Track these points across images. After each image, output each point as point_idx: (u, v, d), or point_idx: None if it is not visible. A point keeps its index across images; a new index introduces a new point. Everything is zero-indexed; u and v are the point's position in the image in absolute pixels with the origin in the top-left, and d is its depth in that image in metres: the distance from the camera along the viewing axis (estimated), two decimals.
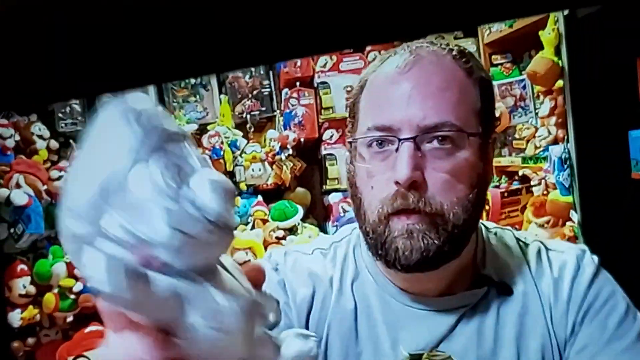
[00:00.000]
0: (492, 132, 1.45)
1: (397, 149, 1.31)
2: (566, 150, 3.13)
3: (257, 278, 0.78)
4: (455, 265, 1.41)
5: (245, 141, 4.63)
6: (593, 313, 1.43)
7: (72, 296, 4.13)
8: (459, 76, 1.36)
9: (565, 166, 3.12)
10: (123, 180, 0.63)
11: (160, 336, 0.65)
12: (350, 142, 1.46)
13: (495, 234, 1.57)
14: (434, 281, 1.43)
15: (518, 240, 1.56)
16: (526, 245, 1.54)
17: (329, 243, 1.61)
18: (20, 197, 3.88)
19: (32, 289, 4.12)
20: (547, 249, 1.53)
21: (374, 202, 1.35)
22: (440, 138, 1.31)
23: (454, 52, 1.39)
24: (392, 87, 1.36)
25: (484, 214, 3.82)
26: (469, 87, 1.37)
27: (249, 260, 4.21)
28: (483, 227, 1.55)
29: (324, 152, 4.64)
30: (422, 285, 1.44)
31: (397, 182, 1.30)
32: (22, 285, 4.09)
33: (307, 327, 1.47)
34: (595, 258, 1.50)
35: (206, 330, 0.67)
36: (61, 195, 0.65)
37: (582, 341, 1.43)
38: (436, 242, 1.31)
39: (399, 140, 1.31)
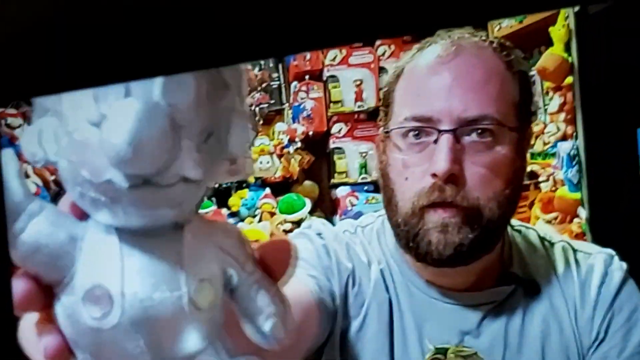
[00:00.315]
0: (529, 127, 1.44)
1: (435, 141, 1.29)
2: (575, 147, 3.12)
3: (277, 259, 0.76)
4: (484, 262, 1.40)
5: (254, 134, 4.59)
6: (618, 324, 1.42)
7: None
8: (499, 69, 1.35)
9: (574, 163, 3.11)
10: None
11: None
12: (386, 132, 1.44)
13: (520, 232, 1.56)
14: (462, 276, 1.42)
15: (543, 239, 1.55)
16: (552, 244, 1.53)
17: (354, 226, 1.59)
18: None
19: None
20: (574, 250, 1.51)
21: (408, 194, 1.34)
22: (480, 131, 1.29)
23: (495, 45, 1.38)
24: (433, 76, 1.34)
25: None
26: (509, 80, 1.35)
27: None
28: (508, 225, 1.53)
29: (332, 145, 4.64)
30: (449, 279, 1.43)
31: (434, 175, 1.28)
32: None
33: (346, 301, 1.46)
34: (624, 265, 1.48)
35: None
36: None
37: (604, 350, 1.42)
38: (470, 236, 1.30)
39: (439, 131, 1.29)
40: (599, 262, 1.47)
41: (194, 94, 0.68)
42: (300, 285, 1.29)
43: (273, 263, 0.73)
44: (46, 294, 0.65)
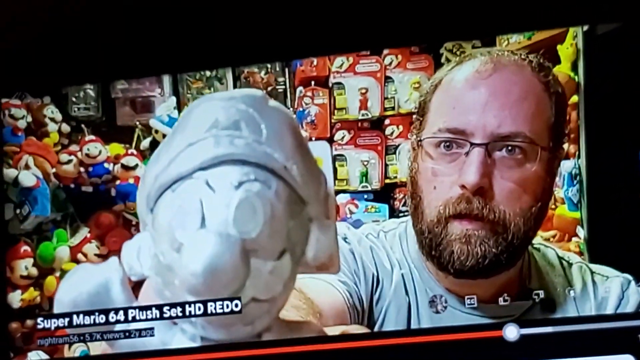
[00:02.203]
0: (561, 148, 1.44)
1: (467, 153, 1.31)
2: (577, 166, 3.11)
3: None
4: (504, 277, 1.41)
5: None
6: None
7: None
8: (537, 89, 1.36)
9: (575, 182, 3.10)
10: None
11: None
12: (419, 141, 1.45)
13: (539, 250, 1.57)
14: (481, 288, 1.43)
15: (561, 259, 1.56)
16: (570, 265, 1.54)
17: (377, 231, 1.61)
18: (28, 179, 3.89)
19: (34, 271, 4.11)
20: (591, 271, 1.52)
21: (435, 203, 1.36)
22: (511, 148, 1.30)
23: (534, 64, 1.38)
24: (470, 90, 1.35)
25: None
26: (545, 100, 1.36)
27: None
28: None
29: (334, 152, 4.63)
30: (469, 290, 1.44)
31: (463, 186, 1.29)
32: (25, 266, 4.09)
33: (370, 304, 1.47)
34: None
35: None
36: None
37: None
38: (494, 250, 1.31)
39: (471, 144, 1.30)
40: (616, 285, 1.48)
41: (266, 221, 0.72)
42: (334, 291, 1.31)
43: None
44: None
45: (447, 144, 1.33)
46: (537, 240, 1.62)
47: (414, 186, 1.42)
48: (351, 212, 4.62)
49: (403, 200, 1.52)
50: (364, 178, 4.81)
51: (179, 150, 0.84)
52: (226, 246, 0.68)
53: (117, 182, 4.30)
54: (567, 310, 1.48)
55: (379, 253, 1.54)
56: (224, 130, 0.88)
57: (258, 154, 0.86)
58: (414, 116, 1.50)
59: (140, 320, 0.77)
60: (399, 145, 4.85)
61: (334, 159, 4.79)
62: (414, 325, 1.47)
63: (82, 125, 4.52)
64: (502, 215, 1.30)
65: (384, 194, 4.96)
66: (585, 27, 3.01)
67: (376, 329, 1.47)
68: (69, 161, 4.29)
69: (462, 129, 1.29)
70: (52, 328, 3.49)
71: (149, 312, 0.77)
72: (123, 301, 0.71)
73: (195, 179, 0.73)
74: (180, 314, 0.68)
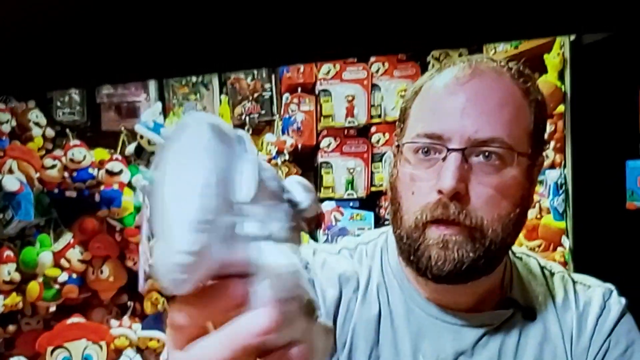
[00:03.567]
0: (541, 156, 1.45)
1: (444, 158, 1.31)
2: (562, 176, 3.13)
3: None
4: (484, 284, 1.41)
5: None
6: (613, 356, 1.43)
7: (57, 286, 4.12)
8: (516, 95, 1.36)
9: (561, 191, 3.12)
10: (246, 191, 0.71)
11: None
12: (397, 146, 1.45)
13: (521, 259, 1.57)
14: (461, 296, 1.43)
15: (543, 268, 1.56)
16: (552, 274, 1.54)
17: (355, 244, 1.61)
18: (12, 183, 3.87)
19: (16, 276, 4.11)
20: (573, 281, 1.52)
21: (413, 208, 1.35)
22: (488, 153, 1.30)
23: (513, 71, 1.38)
24: (448, 96, 1.35)
25: None
26: (524, 107, 1.36)
27: None
28: (509, 252, 1.54)
29: (320, 159, 4.64)
30: (449, 298, 1.44)
31: (440, 191, 1.29)
32: (7, 271, 4.08)
33: (335, 326, 1.47)
34: (623, 300, 1.49)
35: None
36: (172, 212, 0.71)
37: None
38: (471, 254, 1.31)
39: (448, 149, 1.30)
40: (598, 294, 1.48)
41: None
42: None
43: None
44: None
45: (426, 149, 1.33)
46: (519, 250, 1.62)
47: (393, 192, 1.43)
48: (336, 220, 4.65)
49: (388, 208, 1.52)
50: (349, 185, 4.83)
51: None
52: None
53: (102, 187, 4.28)
54: (548, 319, 1.49)
55: (347, 272, 1.55)
56: None
57: None
58: (397, 123, 1.50)
59: None
60: (384, 153, 4.89)
61: (320, 166, 4.81)
62: (387, 337, 1.48)
63: (67, 130, 4.51)
64: (479, 220, 1.30)
65: (370, 201, 5.00)
66: (572, 37, 3.02)
67: (346, 347, 1.48)
68: (53, 166, 4.26)
69: (439, 134, 1.29)
70: None
71: None
72: None
73: None
74: None
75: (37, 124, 4.28)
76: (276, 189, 0.75)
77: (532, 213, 3.54)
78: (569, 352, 1.43)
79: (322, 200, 4.67)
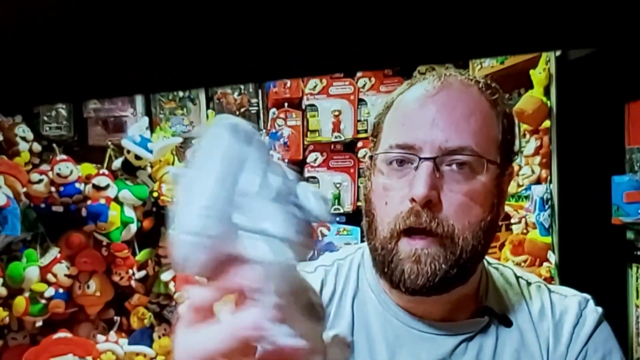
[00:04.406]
0: (510, 166, 1.46)
1: (416, 168, 1.33)
2: (548, 191, 3.13)
3: None
4: (460, 294, 1.42)
5: None
6: None
7: (43, 301, 4.12)
8: (484, 106, 1.38)
9: (547, 206, 3.13)
10: (250, 188, 0.80)
11: None
12: (370, 157, 1.47)
13: (497, 269, 1.58)
14: (437, 306, 1.44)
15: (519, 278, 1.57)
16: (528, 283, 1.55)
17: (332, 260, 1.62)
18: None
19: (3, 291, 4.10)
20: (549, 290, 1.53)
21: (387, 218, 1.36)
22: (459, 162, 1.32)
23: (481, 84, 1.41)
24: (418, 108, 1.38)
25: None
26: (492, 118, 1.38)
27: None
28: (485, 261, 1.56)
29: (307, 174, 4.64)
30: (425, 308, 1.45)
31: (412, 199, 1.31)
32: None
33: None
34: (599, 309, 1.50)
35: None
36: (185, 197, 0.81)
37: None
38: (444, 266, 1.32)
39: (419, 158, 1.32)
40: (574, 304, 1.49)
41: None
42: None
43: None
44: None
45: (399, 160, 1.35)
46: (495, 261, 1.64)
47: (367, 204, 1.45)
48: (323, 235, 4.65)
49: (363, 221, 1.54)
50: (336, 200, 4.83)
51: None
52: None
53: (88, 202, 4.28)
54: (524, 328, 1.50)
55: (325, 288, 1.57)
56: None
57: None
58: (370, 137, 1.53)
59: None
60: None
61: (307, 181, 4.80)
62: (363, 349, 1.49)
63: (54, 145, 4.50)
64: (451, 229, 1.32)
65: (356, 216, 5.00)
66: (558, 53, 3.03)
67: None
68: (40, 181, 4.25)
69: (411, 144, 1.31)
70: None
71: None
72: None
73: None
74: None
75: (23, 138, 4.28)
76: (282, 190, 0.80)
77: (518, 228, 3.55)
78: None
79: None
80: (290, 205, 0.80)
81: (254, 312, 0.72)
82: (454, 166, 1.33)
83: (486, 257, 1.59)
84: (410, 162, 1.35)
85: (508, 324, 1.47)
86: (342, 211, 4.63)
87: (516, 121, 3.67)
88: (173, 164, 4.42)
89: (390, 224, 1.35)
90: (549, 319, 1.47)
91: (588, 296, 1.54)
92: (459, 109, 1.35)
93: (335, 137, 4.56)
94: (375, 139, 1.49)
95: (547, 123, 3.21)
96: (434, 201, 1.31)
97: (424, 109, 1.37)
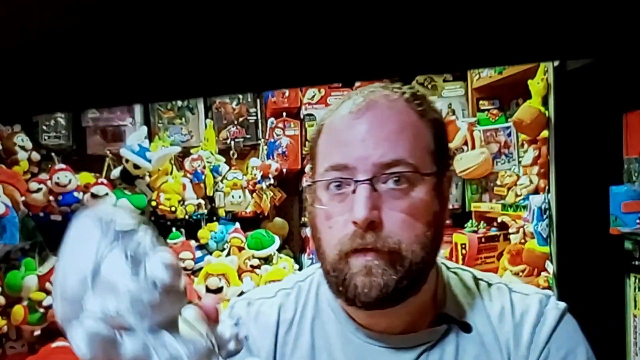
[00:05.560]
0: (447, 171, 1.47)
1: (354, 191, 1.34)
2: (546, 201, 3.14)
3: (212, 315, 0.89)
4: (417, 303, 1.43)
5: (228, 167, 4.64)
6: None
7: (42, 310, 4.12)
8: (412, 118, 1.39)
9: (545, 216, 3.13)
10: (97, 269, 0.87)
11: None
12: (309, 186, 1.48)
13: (456, 273, 1.59)
14: (395, 319, 1.45)
15: (480, 280, 1.57)
16: (489, 285, 1.55)
17: (293, 282, 1.64)
18: None
19: (1, 300, 4.10)
20: (510, 290, 1.53)
21: (332, 242, 1.38)
22: (395, 178, 1.33)
23: (407, 95, 1.42)
24: (347, 130, 1.39)
25: (460, 257, 3.83)
26: (422, 128, 1.39)
27: (222, 288, 4.21)
28: (444, 267, 1.57)
29: (305, 184, 4.64)
30: (384, 322, 1.46)
31: (355, 222, 1.32)
32: None
33: None
34: (562, 305, 1.50)
35: None
36: (53, 284, 0.89)
37: None
38: (394, 278, 1.33)
39: (355, 181, 1.33)
40: (535, 302, 1.49)
41: None
42: None
43: None
44: None
45: (337, 184, 1.37)
46: (454, 265, 1.64)
47: (313, 230, 1.46)
48: None
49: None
50: None
51: None
52: None
53: None
54: (484, 332, 1.50)
55: (283, 314, 1.58)
56: None
57: None
58: (308, 163, 1.57)
59: None
60: None
61: (305, 190, 4.81)
62: None
63: (52, 154, 4.51)
64: (397, 244, 1.33)
65: None
66: (556, 63, 3.04)
67: None
68: (39, 190, 4.26)
69: (344, 163, 1.33)
70: None
71: None
72: None
73: None
74: None
75: (22, 147, 4.28)
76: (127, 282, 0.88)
77: (516, 238, 3.56)
78: None
79: (306, 224, 4.68)
80: (138, 279, 0.88)
81: None
82: (390, 183, 1.34)
83: (446, 262, 1.60)
84: (347, 184, 1.36)
85: (467, 329, 1.47)
86: None
87: (514, 131, 3.67)
88: (171, 173, 4.43)
89: (336, 247, 1.37)
90: (509, 321, 1.47)
91: (550, 293, 1.54)
92: (387, 126, 1.37)
93: None
94: (312, 164, 1.51)
95: (545, 133, 3.21)
96: (376, 221, 1.33)
97: (353, 130, 1.38)
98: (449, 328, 1.47)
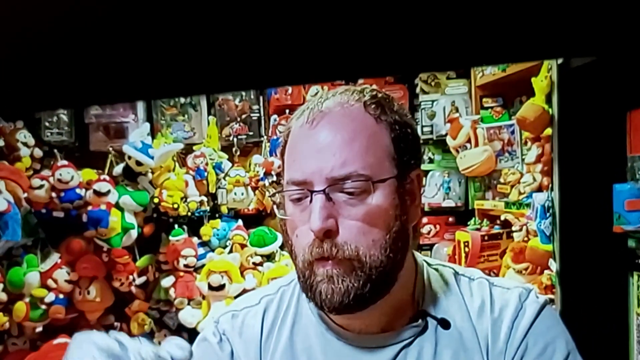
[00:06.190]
0: (412, 171, 1.47)
1: (310, 201, 1.36)
2: (550, 199, 3.13)
3: None
4: (391, 304, 1.44)
5: (230, 164, 4.65)
6: (531, 357, 1.44)
7: (43, 307, 4.12)
8: (367, 124, 1.40)
9: (548, 214, 3.12)
10: None
11: None
12: (272, 195, 1.54)
13: (437, 270, 1.59)
14: (373, 319, 1.46)
15: (462, 276, 1.58)
16: (471, 280, 1.56)
17: (277, 287, 1.65)
18: None
19: (3, 296, 4.10)
20: (491, 285, 1.54)
21: (299, 249, 1.41)
22: (349, 190, 1.35)
23: (365, 99, 1.42)
24: (302, 142, 1.41)
25: (463, 255, 3.82)
26: (378, 133, 1.40)
27: (224, 285, 4.21)
28: (425, 264, 1.58)
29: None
30: (358, 323, 1.48)
31: (313, 231, 1.34)
32: None
33: None
34: (542, 298, 1.50)
35: None
36: None
37: None
38: (355, 284, 1.36)
39: (311, 192, 1.35)
40: (514, 296, 1.50)
41: None
42: None
43: None
44: None
45: (297, 195, 1.40)
46: (435, 262, 1.65)
47: (284, 235, 1.50)
48: None
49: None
50: None
51: None
52: None
53: (89, 207, 4.28)
54: (463, 327, 1.51)
55: (264, 323, 1.61)
56: None
57: None
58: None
59: None
60: None
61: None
62: None
63: (55, 150, 4.50)
64: (355, 251, 1.34)
65: None
66: (560, 61, 3.03)
67: None
68: (41, 186, 4.25)
69: (301, 179, 1.35)
70: None
71: None
72: None
73: None
74: None
75: (25, 144, 4.28)
76: None
77: (519, 236, 3.55)
78: (485, 358, 1.45)
79: None
80: None
81: None
82: (345, 193, 1.35)
83: (427, 259, 1.62)
84: (305, 196, 1.38)
85: (446, 326, 1.48)
86: None
87: (517, 129, 3.67)
88: (174, 170, 4.42)
89: (303, 254, 1.39)
90: (488, 316, 1.48)
91: (531, 286, 1.55)
92: (339, 135, 1.38)
93: None
94: (283, 170, 1.53)
95: (548, 131, 3.20)
96: (332, 230, 1.35)
97: (308, 142, 1.40)
98: (427, 325, 1.48)
